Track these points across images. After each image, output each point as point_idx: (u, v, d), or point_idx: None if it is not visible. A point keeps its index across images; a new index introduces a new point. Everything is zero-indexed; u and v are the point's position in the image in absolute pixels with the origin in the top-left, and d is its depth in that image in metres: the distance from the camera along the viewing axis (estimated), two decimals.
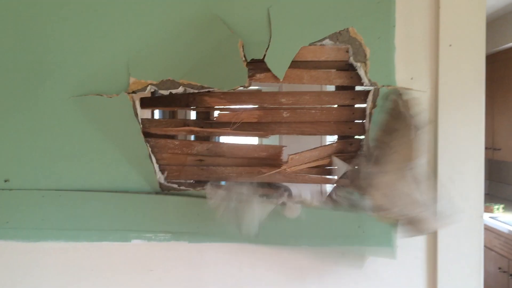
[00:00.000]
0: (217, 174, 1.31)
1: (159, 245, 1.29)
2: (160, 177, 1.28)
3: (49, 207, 1.27)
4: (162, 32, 1.24)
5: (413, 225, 1.11)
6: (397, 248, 1.23)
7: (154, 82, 1.24)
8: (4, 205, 1.28)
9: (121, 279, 1.30)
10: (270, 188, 1.33)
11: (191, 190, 1.27)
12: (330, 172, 1.31)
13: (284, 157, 1.30)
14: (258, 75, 1.25)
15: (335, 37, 1.22)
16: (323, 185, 1.37)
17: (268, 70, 1.23)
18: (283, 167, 1.25)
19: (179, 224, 1.25)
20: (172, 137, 1.34)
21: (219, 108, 1.31)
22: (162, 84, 1.24)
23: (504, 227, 3.41)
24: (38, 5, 1.25)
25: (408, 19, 1.22)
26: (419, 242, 1.25)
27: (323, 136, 3.69)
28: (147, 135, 1.27)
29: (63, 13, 1.24)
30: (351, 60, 1.22)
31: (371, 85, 1.22)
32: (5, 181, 1.29)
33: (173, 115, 2.79)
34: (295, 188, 1.31)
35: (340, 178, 1.26)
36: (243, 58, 1.21)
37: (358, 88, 1.29)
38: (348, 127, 1.29)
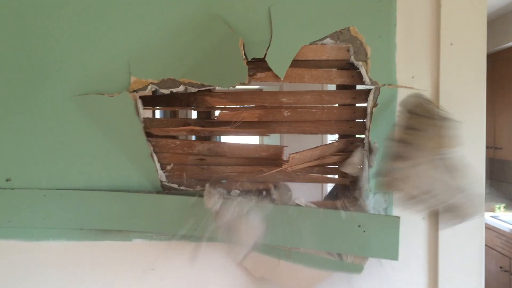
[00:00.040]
0: (218, 173, 1.31)
1: (160, 244, 1.29)
2: (162, 176, 1.28)
3: (51, 206, 1.27)
4: (163, 31, 1.24)
5: (454, 212, 1.10)
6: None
7: (155, 81, 1.24)
8: (5, 204, 1.28)
9: (122, 278, 1.30)
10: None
11: (192, 190, 1.27)
12: (331, 171, 1.31)
13: (285, 156, 1.30)
14: (259, 74, 1.25)
15: (336, 36, 1.22)
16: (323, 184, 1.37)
17: (269, 69, 1.23)
18: (284, 166, 1.25)
19: (180, 223, 1.25)
20: (173, 136, 1.34)
21: (220, 107, 1.31)
22: (163, 83, 1.24)
23: (505, 226, 3.40)
24: (39, 4, 1.25)
25: (409, 18, 1.22)
26: (420, 241, 1.25)
27: (324, 135, 3.69)
28: (148, 134, 1.27)
29: (64, 13, 1.25)
30: (352, 59, 1.22)
31: (372, 84, 1.22)
32: (7, 180, 1.29)
33: (174, 114, 2.78)
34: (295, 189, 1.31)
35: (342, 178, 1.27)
36: (244, 57, 1.21)
37: (359, 87, 1.29)
38: (349, 126, 1.29)
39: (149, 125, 1.29)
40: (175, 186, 1.28)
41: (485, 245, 3.52)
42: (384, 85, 1.22)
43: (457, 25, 1.20)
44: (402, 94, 1.22)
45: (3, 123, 1.28)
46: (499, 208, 3.83)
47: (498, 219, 3.58)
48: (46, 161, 1.28)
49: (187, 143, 1.31)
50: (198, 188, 1.28)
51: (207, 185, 1.23)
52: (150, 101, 1.34)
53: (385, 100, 1.22)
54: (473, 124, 1.21)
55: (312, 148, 1.27)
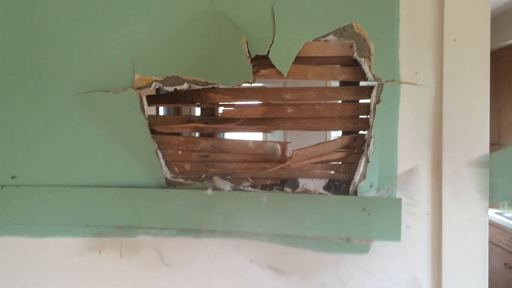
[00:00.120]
0: (222, 169, 1.31)
1: (165, 240, 1.30)
2: (167, 173, 1.29)
3: (56, 203, 1.28)
4: (167, 29, 1.24)
5: None
6: (401, 231, 1.23)
7: (159, 79, 1.25)
8: (11, 201, 1.29)
9: (127, 274, 1.31)
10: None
11: (197, 184, 1.28)
12: (334, 167, 1.31)
13: (288, 152, 1.31)
14: (262, 71, 1.25)
15: (339, 32, 1.22)
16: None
17: (272, 66, 1.24)
18: (288, 162, 1.26)
19: (185, 220, 1.26)
20: (177, 133, 1.35)
21: (223, 104, 1.32)
22: (167, 81, 1.25)
23: (510, 223, 3.39)
24: (44, 2, 1.25)
25: (413, 14, 1.22)
26: (424, 237, 1.25)
27: (327, 132, 3.69)
28: (152, 131, 1.28)
29: (68, 10, 1.26)
30: (355, 55, 1.22)
31: (375, 80, 1.22)
32: (12, 177, 1.30)
33: (178, 111, 2.79)
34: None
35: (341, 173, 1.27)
36: (248, 54, 1.22)
37: (362, 83, 1.29)
38: (353, 122, 1.29)
39: (153, 122, 1.30)
40: (180, 181, 1.29)
41: (490, 241, 3.53)
42: (387, 81, 1.22)
43: (461, 21, 1.20)
44: (405, 90, 1.22)
45: (8, 121, 1.29)
46: (504, 205, 3.82)
47: (503, 216, 3.57)
48: (51, 158, 1.29)
49: (191, 140, 1.32)
50: (204, 182, 1.28)
51: (215, 177, 1.25)
52: (153, 99, 1.35)
53: (388, 97, 1.22)
54: (476, 119, 1.21)
55: (315, 145, 1.27)
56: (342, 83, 1.37)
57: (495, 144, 4.00)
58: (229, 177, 1.32)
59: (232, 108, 1.31)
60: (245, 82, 1.23)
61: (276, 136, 1.29)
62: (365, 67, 1.22)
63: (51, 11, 1.26)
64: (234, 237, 1.28)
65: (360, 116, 1.30)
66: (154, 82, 1.25)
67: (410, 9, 1.21)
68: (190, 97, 1.32)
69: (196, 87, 1.26)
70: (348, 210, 1.22)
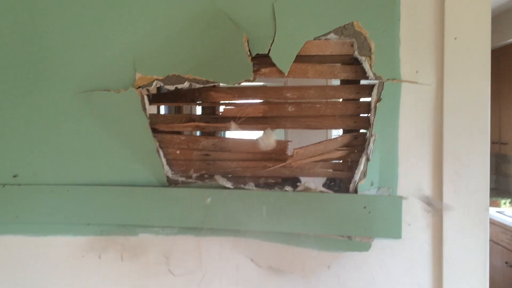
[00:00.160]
0: (223, 168, 1.32)
1: (166, 239, 1.30)
2: (168, 171, 1.30)
3: (58, 201, 1.29)
4: (168, 28, 1.25)
5: None
6: (402, 229, 1.24)
7: (160, 78, 1.25)
8: (13, 200, 1.30)
9: (128, 273, 1.32)
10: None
11: (199, 183, 1.28)
12: (335, 166, 1.32)
13: (289, 151, 1.31)
14: (263, 70, 1.25)
15: (340, 31, 1.22)
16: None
17: (273, 64, 1.24)
18: (288, 161, 1.26)
19: (186, 218, 1.26)
20: (178, 132, 1.35)
21: (224, 103, 1.32)
22: (168, 79, 1.25)
23: (511, 222, 3.40)
24: (44, 2, 1.26)
25: (413, 12, 1.22)
26: (424, 235, 1.25)
27: (328, 130, 3.69)
28: (153, 130, 1.28)
29: (69, 9, 1.26)
30: (356, 54, 1.23)
31: (376, 79, 1.22)
32: (14, 176, 1.31)
33: (178, 110, 2.80)
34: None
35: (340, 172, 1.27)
36: (248, 53, 1.22)
37: (363, 82, 1.29)
38: (353, 121, 1.30)
39: (154, 121, 1.30)
40: (182, 179, 1.29)
41: (491, 240, 3.53)
42: (388, 79, 1.22)
43: (461, 20, 1.20)
44: (406, 89, 1.22)
45: (9, 120, 1.29)
46: (505, 203, 3.82)
47: (504, 215, 3.58)
48: (52, 157, 1.30)
49: (192, 139, 1.32)
50: (206, 181, 1.29)
51: (216, 175, 1.25)
52: (154, 97, 1.35)
53: (389, 95, 1.22)
54: (477, 118, 1.21)
55: (316, 143, 1.27)
56: (343, 82, 1.37)
57: (496, 142, 4.00)
58: (230, 175, 1.32)
59: (233, 107, 1.32)
60: (246, 81, 1.23)
61: (277, 134, 1.30)
62: (366, 65, 1.22)
63: (52, 11, 1.26)
64: (235, 236, 1.29)
65: (361, 115, 1.30)
66: (155, 81, 1.25)
67: (411, 8, 1.22)
68: (191, 96, 1.33)
69: (197, 85, 1.26)
70: (349, 208, 1.22)
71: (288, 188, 1.27)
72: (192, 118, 1.36)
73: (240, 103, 1.32)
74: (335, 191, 1.27)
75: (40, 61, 1.28)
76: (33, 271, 1.33)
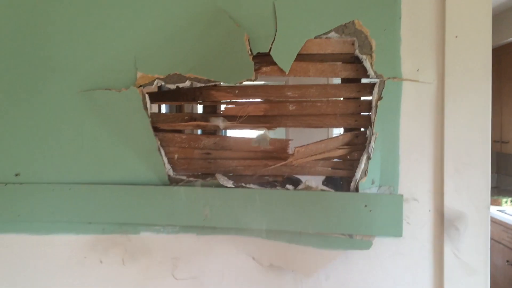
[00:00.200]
0: (224, 167, 1.32)
1: (167, 237, 1.31)
2: (169, 170, 1.30)
3: (59, 200, 1.29)
4: (169, 27, 1.25)
5: None
6: (403, 227, 1.24)
7: (161, 76, 1.25)
8: (15, 199, 1.30)
9: (130, 271, 1.32)
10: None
11: (200, 181, 1.29)
12: (336, 164, 1.32)
13: (290, 150, 1.31)
14: (264, 68, 1.26)
15: (341, 29, 1.22)
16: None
17: (274, 63, 1.24)
18: (289, 159, 1.26)
19: (187, 217, 1.27)
20: (180, 131, 1.35)
21: (225, 102, 1.32)
22: (169, 78, 1.25)
23: None
24: (46, 1, 1.26)
25: (414, 10, 1.22)
26: (425, 233, 1.25)
27: (330, 129, 3.69)
28: (154, 129, 1.29)
29: (70, 8, 1.26)
30: (357, 52, 1.23)
31: (377, 77, 1.23)
32: (16, 175, 1.31)
33: (180, 109, 2.80)
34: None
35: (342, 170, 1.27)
36: (249, 52, 1.22)
37: (364, 80, 1.29)
38: (354, 119, 1.30)
39: (155, 119, 1.31)
40: (183, 178, 1.30)
41: (492, 239, 3.53)
42: (389, 78, 1.22)
43: (462, 18, 1.20)
44: (407, 87, 1.22)
45: (11, 119, 1.30)
46: (506, 202, 3.82)
47: (505, 213, 3.57)
48: (54, 156, 1.30)
49: (193, 137, 1.32)
50: (208, 180, 1.29)
51: (217, 174, 1.26)
52: (156, 96, 1.35)
53: (390, 93, 1.22)
54: (478, 116, 1.21)
55: (317, 142, 1.28)
56: (344, 80, 1.37)
57: (498, 141, 4.00)
58: (231, 174, 1.32)
59: (234, 106, 1.32)
60: (247, 80, 1.24)
61: (278, 133, 1.30)
62: (367, 64, 1.22)
63: (54, 10, 1.26)
64: (236, 234, 1.29)
65: (362, 113, 1.30)
66: (157, 80, 1.26)
67: (412, 6, 1.22)
68: (192, 94, 1.33)
69: (198, 84, 1.26)
70: (350, 206, 1.23)
71: (289, 186, 1.28)
72: (193, 117, 1.36)
73: (241, 102, 1.32)
74: (335, 189, 1.27)
75: (41, 60, 1.28)
76: (35, 269, 1.33)
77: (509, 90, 3.83)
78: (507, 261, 3.45)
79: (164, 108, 2.92)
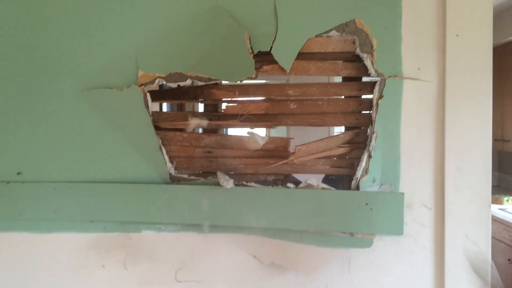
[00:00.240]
0: (226, 165, 1.32)
1: (169, 235, 1.31)
2: (170, 168, 1.30)
3: (61, 199, 1.30)
4: (170, 25, 1.25)
5: None
6: (404, 225, 1.24)
7: (162, 75, 1.26)
8: (17, 198, 1.31)
9: (132, 269, 1.32)
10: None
11: (201, 180, 1.29)
12: (337, 163, 1.32)
13: (291, 148, 1.31)
14: (265, 67, 1.26)
15: (342, 28, 1.23)
16: None
17: (275, 62, 1.24)
18: (290, 158, 1.27)
19: (189, 215, 1.27)
20: (181, 129, 1.36)
21: (226, 100, 1.33)
22: (170, 77, 1.26)
23: None
24: (48, 0, 1.26)
25: (415, 9, 1.22)
26: (426, 232, 1.25)
27: (331, 127, 3.69)
28: (156, 128, 1.29)
29: (71, 7, 1.26)
30: (358, 51, 1.23)
31: (378, 75, 1.23)
32: (18, 173, 1.32)
33: (181, 107, 2.80)
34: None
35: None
36: (250, 51, 1.22)
37: (365, 79, 1.30)
38: (355, 118, 1.30)
39: (157, 118, 1.31)
40: (184, 176, 1.30)
41: (493, 237, 3.52)
42: (390, 76, 1.22)
43: (463, 16, 1.20)
44: (408, 86, 1.23)
45: (13, 118, 1.30)
46: (508, 200, 3.82)
47: (506, 212, 3.57)
48: (56, 155, 1.31)
49: (195, 136, 1.33)
50: (209, 178, 1.29)
51: (218, 172, 1.26)
52: (157, 95, 1.36)
53: (391, 92, 1.22)
54: (479, 114, 1.21)
55: (318, 140, 1.28)
56: (345, 79, 1.37)
57: (499, 140, 3.99)
58: (232, 172, 1.33)
59: (235, 104, 1.32)
60: (248, 78, 1.24)
61: (280, 132, 1.30)
62: (368, 62, 1.23)
63: (55, 9, 1.27)
64: (237, 233, 1.29)
65: (363, 112, 1.30)
66: (158, 79, 1.26)
67: (413, 5, 1.22)
68: (193, 93, 1.33)
69: (199, 83, 1.26)
70: (351, 204, 1.23)
71: (290, 185, 1.28)
72: (194, 115, 1.36)
73: (242, 101, 1.33)
74: (335, 188, 1.27)
75: (43, 59, 1.28)
76: (37, 267, 1.34)
77: (510, 88, 3.82)
78: (509, 260, 3.45)
79: (165, 107, 2.92)
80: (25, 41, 1.28)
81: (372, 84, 1.26)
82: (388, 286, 1.27)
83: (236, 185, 1.27)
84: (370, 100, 1.27)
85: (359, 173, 1.25)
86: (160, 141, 1.29)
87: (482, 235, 1.23)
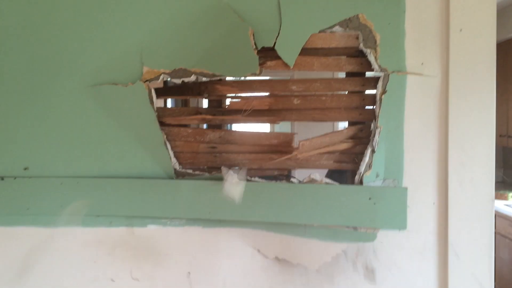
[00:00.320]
0: (230, 161, 1.33)
1: (174, 230, 1.32)
2: (175, 164, 1.31)
3: (68, 193, 1.31)
4: (174, 22, 1.26)
5: None
6: (407, 220, 1.24)
7: (167, 71, 1.27)
8: (24, 193, 1.32)
9: (138, 263, 1.34)
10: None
11: (206, 175, 1.30)
12: (340, 158, 1.33)
13: (295, 143, 1.32)
14: (269, 63, 1.26)
15: (345, 23, 1.23)
16: None
17: (278, 57, 1.25)
18: (294, 153, 1.27)
19: (193, 210, 1.28)
20: (185, 125, 1.37)
21: (230, 96, 1.34)
22: (175, 73, 1.27)
23: None
24: None
25: (418, 4, 1.22)
26: (430, 226, 1.26)
27: (335, 123, 3.70)
28: (160, 123, 1.30)
29: (77, 4, 1.27)
30: (361, 46, 1.23)
31: (381, 71, 1.23)
32: (25, 169, 1.33)
33: (185, 103, 2.81)
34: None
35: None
36: (254, 46, 1.23)
37: (368, 74, 1.30)
38: (359, 113, 1.30)
39: (161, 114, 1.32)
40: (189, 172, 1.31)
41: (498, 233, 3.52)
42: (394, 72, 1.23)
43: (467, 11, 1.20)
44: (411, 81, 1.23)
45: (20, 113, 1.31)
46: None
47: (511, 208, 3.56)
48: (62, 150, 1.32)
49: (199, 132, 1.34)
50: (213, 173, 1.30)
51: (223, 167, 1.27)
52: (161, 91, 1.37)
53: (394, 87, 1.23)
54: (483, 109, 1.21)
55: (321, 135, 1.29)
56: (348, 74, 1.38)
57: (504, 135, 3.98)
58: (236, 167, 1.33)
59: (239, 100, 1.33)
60: (252, 74, 1.24)
61: (284, 127, 1.31)
62: (371, 58, 1.23)
63: (61, 7, 1.28)
64: (242, 227, 1.30)
65: (366, 107, 1.30)
66: (162, 75, 1.27)
67: (416, 0, 1.22)
68: (197, 89, 1.34)
69: (203, 79, 1.27)
70: (354, 199, 1.23)
71: (294, 179, 1.29)
72: (198, 111, 1.37)
73: (246, 96, 1.33)
74: (339, 182, 1.28)
75: (49, 56, 1.30)
76: (44, 261, 1.35)
77: None
78: None
79: (169, 103, 2.93)
80: (31, 38, 1.29)
81: (376, 79, 1.26)
82: (392, 280, 1.28)
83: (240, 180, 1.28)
84: (374, 95, 1.27)
85: (362, 168, 1.26)
86: (165, 137, 1.30)
87: (485, 229, 1.23)
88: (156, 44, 1.27)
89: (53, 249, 1.35)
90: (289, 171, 1.38)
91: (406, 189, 1.23)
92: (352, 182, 1.29)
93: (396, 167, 1.25)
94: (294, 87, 1.30)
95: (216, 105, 1.42)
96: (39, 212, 1.33)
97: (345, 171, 1.43)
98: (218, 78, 1.27)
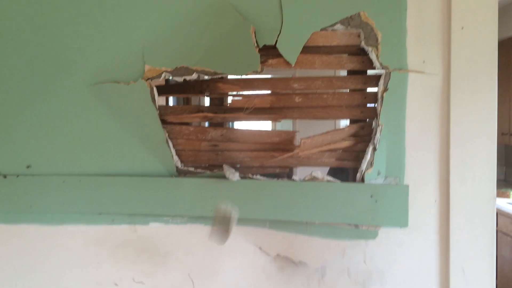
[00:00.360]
0: (231, 158, 1.34)
1: (176, 227, 1.33)
2: (177, 162, 1.32)
3: (70, 191, 1.31)
4: (176, 20, 1.26)
5: None
6: (409, 217, 1.25)
7: (169, 69, 1.27)
8: (27, 191, 1.33)
9: (140, 261, 1.34)
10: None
11: (207, 173, 1.30)
12: (342, 156, 1.33)
13: (297, 141, 1.32)
14: (270, 61, 1.27)
15: (347, 21, 1.23)
16: None
17: (280, 55, 1.25)
18: (296, 151, 1.27)
19: (195, 207, 1.29)
20: (187, 123, 1.37)
21: (232, 94, 1.34)
22: (176, 71, 1.27)
23: None
24: None
25: (420, 2, 1.22)
26: (431, 224, 1.26)
27: (336, 121, 3.70)
28: (162, 121, 1.30)
29: (78, 3, 1.28)
30: (363, 44, 1.23)
31: (383, 69, 1.23)
32: (27, 167, 1.34)
33: (187, 101, 2.82)
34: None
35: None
36: (256, 44, 1.23)
37: (370, 72, 1.30)
38: (360, 111, 1.30)
39: (163, 112, 1.32)
40: (191, 170, 1.31)
41: (500, 231, 3.52)
42: (395, 70, 1.23)
43: (468, 9, 1.20)
44: (413, 79, 1.23)
45: (22, 112, 1.32)
46: None
47: None
48: (65, 148, 1.32)
49: (201, 130, 1.34)
50: (215, 171, 1.31)
51: (224, 165, 1.27)
52: (163, 89, 1.37)
53: (396, 85, 1.23)
54: (484, 107, 1.21)
55: (323, 133, 1.29)
56: (350, 72, 1.38)
57: (506, 134, 3.97)
58: (238, 165, 1.34)
59: (241, 98, 1.33)
60: (253, 72, 1.25)
61: (285, 125, 1.31)
62: (373, 56, 1.23)
63: (62, 4, 1.28)
64: (244, 225, 1.31)
65: (368, 105, 1.30)
66: (164, 73, 1.27)
67: None
68: (199, 87, 1.34)
69: (205, 77, 1.27)
70: (356, 197, 1.24)
71: (295, 177, 1.29)
72: (200, 109, 1.37)
73: (248, 94, 1.34)
74: (341, 180, 1.28)
75: (50, 54, 1.30)
76: (47, 259, 1.36)
77: None
78: None
79: (171, 101, 2.94)
80: (34, 36, 1.30)
81: (377, 77, 1.26)
82: (393, 278, 1.28)
83: (242, 178, 1.28)
84: (375, 93, 1.27)
85: (364, 165, 1.26)
86: (167, 135, 1.30)
87: (487, 227, 1.23)
88: (157, 42, 1.27)
89: (55, 246, 1.35)
90: (291, 169, 1.38)
91: (407, 186, 1.23)
92: (354, 180, 1.29)
93: (398, 165, 1.25)
94: (295, 85, 1.31)
95: (218, 103, 1.42)
96: (42, 210, 1.33)
97: (346, 169, 1.43)
98: (220, 76, 1.27)
